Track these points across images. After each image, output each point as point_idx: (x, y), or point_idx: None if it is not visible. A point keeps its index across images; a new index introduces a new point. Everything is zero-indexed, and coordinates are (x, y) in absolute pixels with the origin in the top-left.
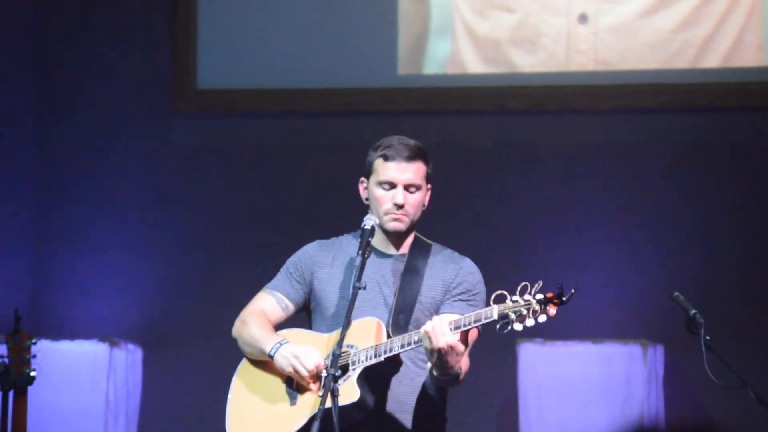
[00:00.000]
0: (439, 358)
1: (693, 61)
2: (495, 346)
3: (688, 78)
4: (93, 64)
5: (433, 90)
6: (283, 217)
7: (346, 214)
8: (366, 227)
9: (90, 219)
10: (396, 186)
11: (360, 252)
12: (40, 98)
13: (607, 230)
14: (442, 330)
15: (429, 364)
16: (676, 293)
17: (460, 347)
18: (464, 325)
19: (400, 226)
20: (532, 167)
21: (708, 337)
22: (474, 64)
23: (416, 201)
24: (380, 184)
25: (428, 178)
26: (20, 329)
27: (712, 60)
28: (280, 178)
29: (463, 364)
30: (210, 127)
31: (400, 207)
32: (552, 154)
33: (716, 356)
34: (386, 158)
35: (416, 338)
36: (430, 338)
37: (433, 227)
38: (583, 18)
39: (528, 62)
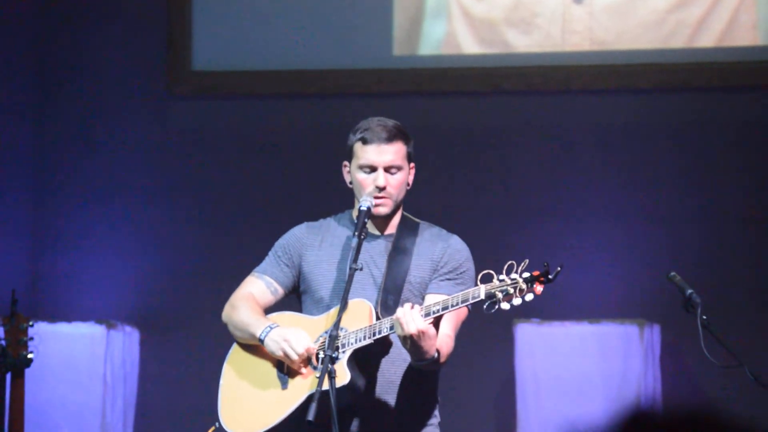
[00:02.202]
0: (412, 344)
1: (688, 41)
2: (491, 326)
3: (683, 58)
4: (88, 48)
5: (429, 71)
6: (280, 199)
7: (343, 195)
8: (362, 208)
9: (87, 202)
10: (376, 169)
11: (356, 233)
12: (35, 83)
13: (603, 210)
14: (413, 316)
15: None
16: (672, 273)
17: (432, 331)
18: (452, 306)
19: (383, 209)
20: (528, 147)
21: (705, 317)
22: (469, 45)
23: (398, 182)
24: (361, 167)
25: (410, 158)
26: (17, 311)
27: (707, 40)
28: (277, 160)
29: (444, 345)
30: (205, 109)
31: (382, 189)
32: (548, 134)
33: (713, 336)
34: (365, 141)
35: None
36: (401, 325)
37: (427, 208)
38: None
39: (523, 43)
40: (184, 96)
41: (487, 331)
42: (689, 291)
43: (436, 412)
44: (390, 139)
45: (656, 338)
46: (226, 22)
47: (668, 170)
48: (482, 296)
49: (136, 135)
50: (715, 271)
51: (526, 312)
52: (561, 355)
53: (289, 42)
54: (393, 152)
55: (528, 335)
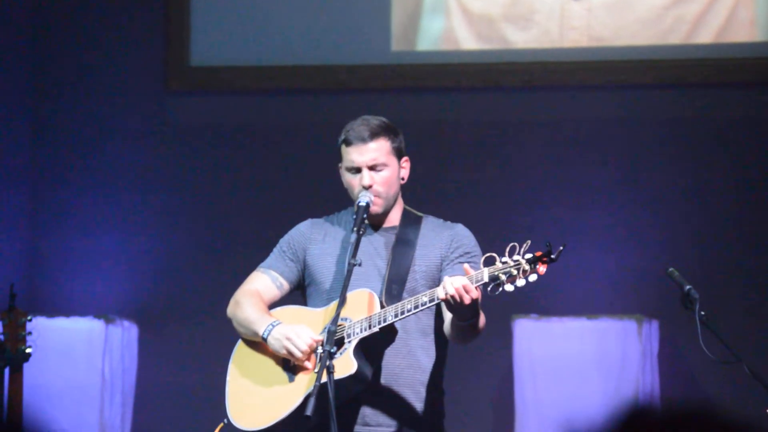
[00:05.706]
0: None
1: (686, 37)
2: (490, 322)
3: (681, 54)
4: (86, 44)
5: (427, 66)
6: (278, 195)
7: (342, 191)
8: (361, 204)
9: (85, 197)
10: (361, 169)
11: (355, 228)
12: (34, 79)
13: (601, 206)
14: (452, 281)
15: (447, 320)
16: (671, 269)
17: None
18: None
19: (374, 208)
20: (525, 143)
21: (703, 313)
22: (468, 41)
23: (384, 179)
24: (348, 169)
25: (399, 152)
26: (15, 306)
27: (705, 36)
28: (275, 156)
29: (481, 317)
30: (203, 104)
31: (369, 188)
32: (546, 130)
33: (711, 331)
34: (347, 143)
35: (409, 306)
36: (460, 294)
37: (427, 203)
38: None
39: (522, 39)
40: (182, 91)
41: (486, 326)
42: (688, 287)
43: (441, 406)
44: (371, 137)
45: (654, 334)
46: (224, 17)
47: (666, 166)
48: (486, 279)
49: (134, 130)
50: (714, 267)
51: (524, 308)
52: (559, 351)
53: (288, 38)
54: (374, 150)
55: (526, 331)
